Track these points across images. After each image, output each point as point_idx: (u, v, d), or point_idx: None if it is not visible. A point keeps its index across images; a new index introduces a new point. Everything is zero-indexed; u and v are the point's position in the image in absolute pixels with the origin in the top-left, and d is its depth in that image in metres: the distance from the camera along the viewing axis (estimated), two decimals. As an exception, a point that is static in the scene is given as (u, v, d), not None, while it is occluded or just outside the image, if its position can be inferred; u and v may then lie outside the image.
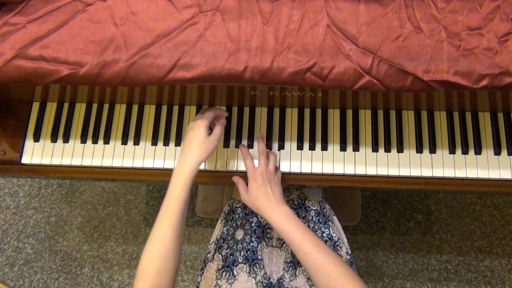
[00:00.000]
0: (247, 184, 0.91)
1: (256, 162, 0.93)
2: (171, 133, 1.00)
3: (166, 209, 0.80)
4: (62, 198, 1.79)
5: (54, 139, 1.00)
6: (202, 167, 0.98)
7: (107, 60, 0.79)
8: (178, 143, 1.00)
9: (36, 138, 1.00)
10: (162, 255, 0.76)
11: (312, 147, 0.98)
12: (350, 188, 0.99)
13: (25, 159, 0.99)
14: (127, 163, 0.99)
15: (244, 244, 0.99)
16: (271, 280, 0.95)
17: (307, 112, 1.01)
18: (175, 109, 1.02)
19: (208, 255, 1.03)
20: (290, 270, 0.96)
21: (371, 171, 0.96)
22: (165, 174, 1.00)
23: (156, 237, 0.78)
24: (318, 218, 1.03)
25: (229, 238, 1.02)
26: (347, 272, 0.74)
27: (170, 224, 0.78)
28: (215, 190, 1.29)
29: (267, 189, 0.87)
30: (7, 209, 1.78)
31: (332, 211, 1.08)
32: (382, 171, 0.96)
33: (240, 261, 0.96)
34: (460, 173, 0.95)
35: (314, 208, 1.04)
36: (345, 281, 0.74)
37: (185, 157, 0.84)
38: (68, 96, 1.01)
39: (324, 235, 1.00)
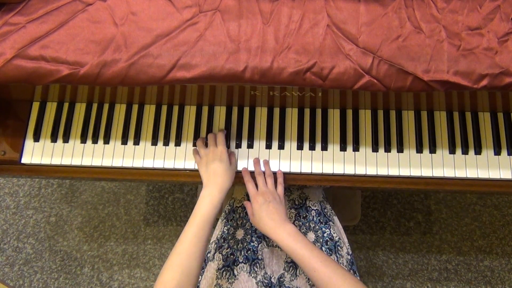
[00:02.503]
0: None
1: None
2: (171, 133, 1.00)
3: (192, 226, 0.82)
4: (62, 198, 1.79)
5: (54, 139, 1.00)
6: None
7: (107, 60, 0.79)
8: (178, 143, 1.00)
9: (36, 138, 1.00)
10: (185, 269, 0.77)
11: (312, 147, 0.98)
12: (350, 188, 0.99)
13: (25, 159, 0.99)
14: (127, 163, 0.98)
15: (245, 244, 0.99)
16: (271, 279, 0.95)
17: (307, 112, 1.01)
18: (175, 109, 1.02)
19: (208, 255, 1.03)
20: (290, 270, 0.96)
21: (371, 171, 0.96)
22: (165, 174, 1.00)
23: (181, 251, 0.79)
24: (319, 218, 1.03)
25: (229, 237, 1.03)
26: (357, 286, 0.75)
27: (196, 241, 0.80)
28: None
29: (269, 208, 0.88)
30: (7, 209, 1.78)
31: (332, 211, 1.08)
32: (382, 171, 0.96)
33: (240, 260, 0.96)
34: (460, 173, 0.95)
35: (315, 208, 1.04)
36: None
37: (215, 183, 0.88)
38: (68, 96, 1.01)
39: (325, 235, 1.00)
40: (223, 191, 0.88)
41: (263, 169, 0.96)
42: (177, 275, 0.76)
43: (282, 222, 0.86)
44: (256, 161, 0.97)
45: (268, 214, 0.87)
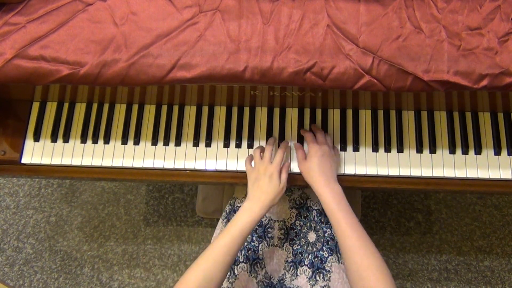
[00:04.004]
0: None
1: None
2: (171, 133, 1.00)
3: (226, 236, 0.82)
4: (62, 198, 1.79)
5: (54, 139, 1.00)
6: (202, 167, 0.98)
7: (107, 60, 0.79)
8: (178, 143, 0.99)
9: (36, 138, 1.00)
10: (209, 275, 0.77)
11: (312, 147, 0.98)
12: (350, 188, 0.98)
13: (25, 159, 0.99)
14: (127, 163, 0.98)
15: (245, 243, 0.99)
16: (272, 279, 0.96)
17: (307, 112, 1.01)
18: (175, 109, 1.02)
19: (208, 255, 1.02)
20: (291, 270, 0.96)
21: (371, 171, 0.96)
22: (165, 174, 1.00)
23: (209, 257, 0.80)
24: (320, 217, 1.03)
25: (229, 238, 1.02)
26: (381, 266, 0.75)
27: (225, 251, 0.80)
28: (215, 190, 1.29)
29: (324, 162, 0.88)
30: (7, 209, 1.78)
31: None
32: (382, 171, 0.96)
33: (241, 260, 0.96)
34: (460, 173, 0.95)
35: (316, 208, 1.04)
36: (376, 273, 0.74)
37: (258, 199, 0.87)
38: (68, 96, 1.01)
39: (326, 235, 1.00)
40: (265, 209, 0.86)
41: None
42: (199, 278, 0.76)
43: (331, 180, 0.86)
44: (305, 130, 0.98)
45: (321, 168, 0.87)
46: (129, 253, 1.70)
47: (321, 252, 0.97)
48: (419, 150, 0.97)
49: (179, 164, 0.98)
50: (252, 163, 0.94)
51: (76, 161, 0.99)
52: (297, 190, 1.08)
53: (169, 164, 0.98)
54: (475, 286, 1.62)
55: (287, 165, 0.94)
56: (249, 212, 0.85)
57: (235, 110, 1.01)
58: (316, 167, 0.87)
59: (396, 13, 0.80)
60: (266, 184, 0.88)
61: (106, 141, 1.00)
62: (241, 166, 0.98)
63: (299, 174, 0.97)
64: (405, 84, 0.78)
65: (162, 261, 1.68)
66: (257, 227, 1.01)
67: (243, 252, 0.97)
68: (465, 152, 0.96)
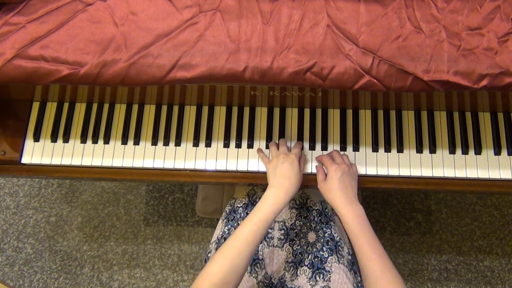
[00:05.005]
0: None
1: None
2: (171, 133, 1.00)
3: (250, 224, 0.80)
4: (62, 198, 1.79)
5: (54, 139, 1.00)
6: (202, 167, 0.98)
7: (107, 60, 0.79)
8: (178, 143, 0.99)
9: (36, 138, 1.00)
10: (234, 265, 0.75)
11: (312, 147, 0.98)
12: (350, 188, 0.99)
13: (25, 159, 0.99)
14: (127, 163, 0.98)
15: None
16: (272, 280, 0.95)
17: (307, 112, 1.01)
18: (175, 109, 1.02)
19: (209, 255, 1.03)
20: (291, 270, 0.96)
21: (371, 171, 0.96)
22: (165, 174, 1.00)
23: (233, 246, 0.78)
24: (320, 218, 1.03)
25: (229, 238, 1.02)
26: None
27: (250, 240, 0.78)
28: (215, 190, 1.29)
29: (345, 182, 0.87)
30: (7, 209, 1.78)
31: (333, 211, 1.08)
32: (382, 171, 0.96)
33: (240, 261, 0.96)
34: (460, 173, 0.95)
35: (316, 208, 1.04)
36: None
37: (282, 185, 0.86)
38: (68, 96, 1.01)
39: (326, 235, 1.00)
40: (289, 195, 0.85)
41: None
42: (225, 268, 0.74)
43: (352, 200, 0.85)
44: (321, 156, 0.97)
45: (342, 188, 0.86)
46: (129, 253, 1.70)
47: (321, 253, 0.97)
48: (419, 150, 0.97)
49: (179, 164, 0.98)
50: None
51: (76, 161, 0.99)
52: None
53: (169, 164, 0.98)
54: (475, 286, 1.62)
55: (304, 157, 0.94)
56: (274, 199, 0.84)
57: (235, 110, 1.01)
58: (337, 187, 0.86)
59: (396, 13, 0.80)
60: (288, 169, 0.88)
61: (106, 141, 1.00)
62: (241, 166, 0.98)
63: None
64: (405, 84, 0.78)
65: (162, 261, 1.68)
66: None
67: (243, 252, 0.97)
68: (465, 152, 0.96)
